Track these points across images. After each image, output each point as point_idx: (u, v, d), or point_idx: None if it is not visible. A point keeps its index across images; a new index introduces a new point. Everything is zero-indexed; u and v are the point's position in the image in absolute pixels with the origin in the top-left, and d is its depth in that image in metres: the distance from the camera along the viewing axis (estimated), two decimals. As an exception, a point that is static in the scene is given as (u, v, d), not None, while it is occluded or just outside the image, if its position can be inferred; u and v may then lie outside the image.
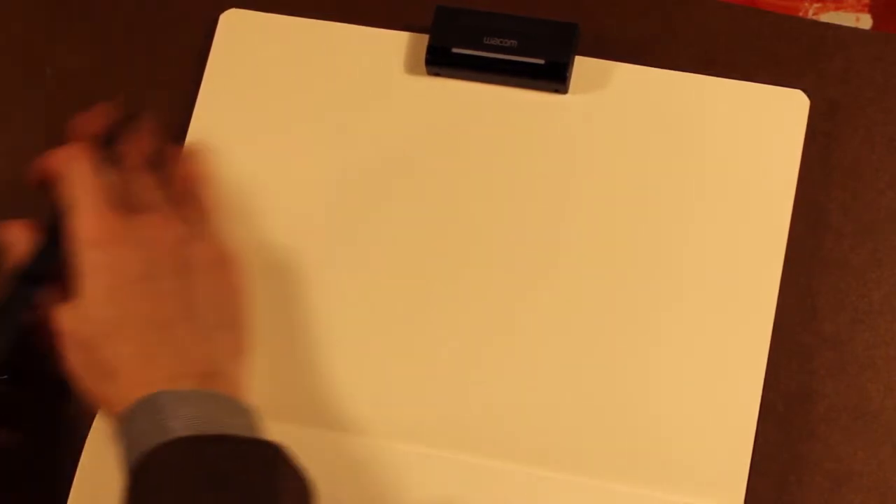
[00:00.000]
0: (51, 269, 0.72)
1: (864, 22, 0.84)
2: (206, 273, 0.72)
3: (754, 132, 0.80)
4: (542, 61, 0.81)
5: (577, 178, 0.80)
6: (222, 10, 0.85)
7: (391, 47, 0.84)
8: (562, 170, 0.80)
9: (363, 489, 0.76)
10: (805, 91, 0.80)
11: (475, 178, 0.81)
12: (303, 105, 0.83)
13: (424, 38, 0.82)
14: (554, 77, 0.81)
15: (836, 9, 0.84)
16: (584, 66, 0.82)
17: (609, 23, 0.83)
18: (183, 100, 0.84)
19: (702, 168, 0.79)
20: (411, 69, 0.83)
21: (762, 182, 0.79)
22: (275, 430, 0.69)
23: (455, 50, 0.81)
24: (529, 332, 0.78)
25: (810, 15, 0.84)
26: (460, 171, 0.81)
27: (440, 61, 0.82)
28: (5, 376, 0.73)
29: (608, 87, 0.81)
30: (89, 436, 0.78)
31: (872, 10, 0.84)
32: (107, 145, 0.75)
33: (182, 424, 0.66)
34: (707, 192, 0.79)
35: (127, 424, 0.67)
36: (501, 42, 0.81)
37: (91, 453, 0.78)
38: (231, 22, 0.85)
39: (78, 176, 0.72)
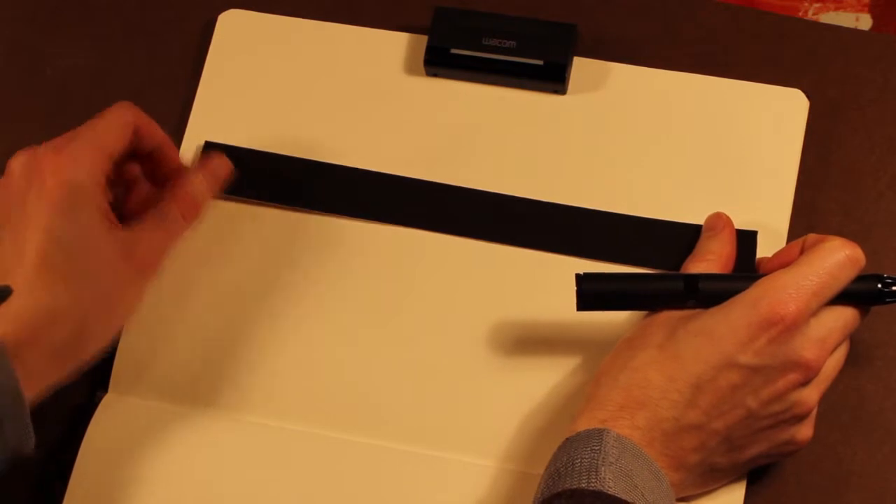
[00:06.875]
0: None
1: (864, 22, 0.83)
2: None
3: (754, 132, 0.80)
4: (540, 62, 0.81)
5: (576, 178, 0.80)
6: (221, 11, 0.85)
7: (390, 48, 0.84)
8: (561, 171, 0.80)
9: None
10: (805, 91, 0.80)
11: (474, 179, 0.80)
12: (301, 106, 0.83)
13: (423, 39, 0.82)
14: (553, 78, 0.81)
15: (836, 9, 0.84)
16: (582, 67, 0.82)
17: (608, 23, 0.83)
18: (181, 100, 0.84)
19: (701, 168, 0.79)
20: (410, 70, 0.83)
21: (762, 182, 0.79)
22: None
23: (454, 50, 0.81)
24: (532, 340, 0.78)
25: (810, 15, 0.84)
26: (459, 171, 0.81)
27: (439, 62, 0.82)
28: None
29: (607, 88, 0.81)
30: (92, 421, 0.78)
31: (872, 10, 0.84)
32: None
33: None
34: (706, 191, 0.79)
35: None
36: (500, 43, 0.81)
37: (93, 437, 0.77)
38: (229, 22, 0.85)
39: None
